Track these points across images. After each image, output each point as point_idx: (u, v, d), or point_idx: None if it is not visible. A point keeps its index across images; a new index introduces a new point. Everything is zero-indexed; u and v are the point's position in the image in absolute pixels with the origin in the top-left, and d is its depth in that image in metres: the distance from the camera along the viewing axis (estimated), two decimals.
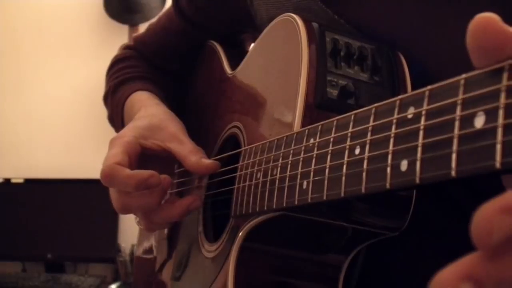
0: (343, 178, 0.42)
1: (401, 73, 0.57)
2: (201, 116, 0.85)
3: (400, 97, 0.37)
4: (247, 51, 0.76)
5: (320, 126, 0.47)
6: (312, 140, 0.48)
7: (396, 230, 0.54)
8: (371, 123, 0.40)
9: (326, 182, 0.44)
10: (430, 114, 0.34)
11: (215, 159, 0.71)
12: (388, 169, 0.37)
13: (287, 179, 0.50)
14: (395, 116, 0.37)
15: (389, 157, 0.37)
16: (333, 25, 0.61)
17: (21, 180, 2.78)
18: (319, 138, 0.47)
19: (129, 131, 0.71)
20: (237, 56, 0.79)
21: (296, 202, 0.49)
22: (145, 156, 0.70)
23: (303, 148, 0.49)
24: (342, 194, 0.42)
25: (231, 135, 0.72)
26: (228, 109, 0.75)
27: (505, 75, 0.28)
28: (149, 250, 0.95)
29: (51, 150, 2.87)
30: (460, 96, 0.31)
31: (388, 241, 0.56)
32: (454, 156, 0.31)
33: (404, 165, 0.35)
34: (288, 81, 0.57)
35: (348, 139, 0.42)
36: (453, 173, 0.31)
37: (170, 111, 0.78)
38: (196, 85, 0.92)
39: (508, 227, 0.24)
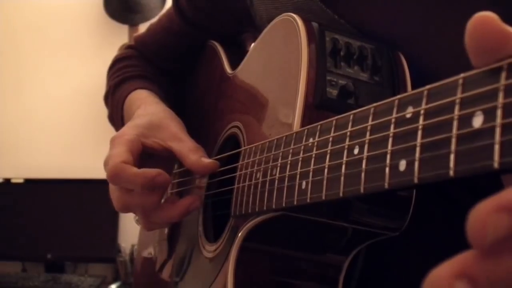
0: (342, 178, 0.42)
1: (401, 73, 0.57)
2: (201, 116, 0.85)
3: (398, 96, 0.37)
4: (247, 51, 0.76)
5: (319, 126, 0.47)
6: (311, 140, 0.48)
7: (396, 230, 0.54)
8: (370, 123, 0.40)
9: (325, 182, 0.44)
10: (428, 114, 0.34)
11: (215, 159, 0.71)
12: (387, 169, 0.37)
13: (286, 179, 0.50)
14: (394, 115, 0.37)
15: (388, 157, 0.37)
16: (333, 24, 0.61)
17: (21, 180, 2.78)
18: (318, 138, 0.47)
19: (130, 129, 0.71)
20: (237, 56, 0.79)
21: (295, 202, 0.49)
22: (146, 154, 0.70)
23: (302, 148, 0.49)
24: (341, 194, 0.42)
25: (231, 135, 0.72)
26: (228, 109, 0.75)
27: (503, 75, 0.28)
28: (149, 250, 0.95)
29: (51, 150, 2.87)
30: (459, 95, 0.31)
31: (388, 241, 0.56)
32: (452, 156, 0.31)
33: (402, 165, 0.35)
34: (288, 81, 0.57)
35: (347, 139, 0.42)
36: (451, 173, 0.31)
37: (170, 110, 0.78)
38: (196, 85, 0.92)
39: (503, 226, 0.24)
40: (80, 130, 2.85)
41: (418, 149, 0.34)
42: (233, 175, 0.64)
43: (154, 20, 0.99)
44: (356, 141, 0.41)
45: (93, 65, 2.76)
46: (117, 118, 0.89)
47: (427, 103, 0.34)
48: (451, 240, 0.50)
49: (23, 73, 2.94)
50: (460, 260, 0.26)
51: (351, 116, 0.43)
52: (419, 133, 0.34)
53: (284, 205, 0.51)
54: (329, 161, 0.44)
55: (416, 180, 0.34)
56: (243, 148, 0.64)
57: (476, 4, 0.44)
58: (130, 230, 2.58)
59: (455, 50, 0.42)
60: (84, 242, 2.66)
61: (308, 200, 0.47)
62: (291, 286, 0.60)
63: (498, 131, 0.28)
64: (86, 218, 2.66)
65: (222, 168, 0.69)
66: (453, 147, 0.31)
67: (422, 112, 0.34)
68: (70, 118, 2.87)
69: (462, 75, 0.31)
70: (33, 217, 2.71)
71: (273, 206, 0.53)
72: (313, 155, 0.47)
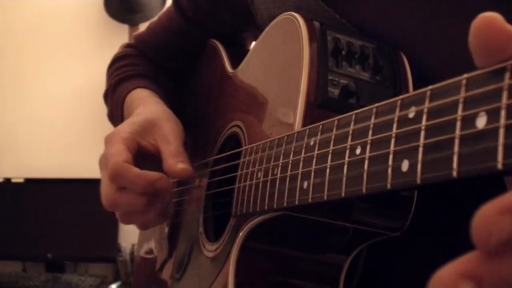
0: (344, 178, 0.42)
1: (402, 72, 0.57)
2: (202, 115, 0.85)
3: (401, 96, 0.37)
4: (248, 50, 0.76)
5: (321, 126, 0.47)
6: (313, 140, 0.48)
7: (398, 230, 0.54)
8: (372, 123, 0.40)
9: (327, 182, 0.44)
10: (431, 114, 0.33)
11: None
12: (389, 170, 0.37)
13: (288, 179, 0.50)
14: (397, 115, 0.37)
15: (390, 157, 0.37)
16: (334, 24, 0.61)
17: (21, 180, 2.78)
18: (320, 137, 0.47)
19: (125, 127, 0.71)
20: (238, 55, 0.79)
21: (296, 202, 0.48)
22: (140, 154, 0.69)
23: (304, 147, 0.49)
24: (343, 195, 0.42)
25: (232, 134, 0.71)
26: (229, 108, 0.75)
27: (507, 75, 0.28)
28: (149, 250, 0.95)
29: (51, 150, 2.87)
30: (462, 96, 0.31)
31: (390, 241, 0.56)
32: (455, 157, 0.31)
33: (405, 165, 0.35)
34: (289, 80, 0.57)
35: (349, 139, 0.42)
36: (454, 173, 0.31)
37: (169, 110, 0.78)
38: (197, 84, 0.92)
39: (507, 228, 0.25)
40: (80, 130, 2.84)
41: (421, 149, 0.34)
42: (234, 174, 0.64)
43: (154, 19, 0.99)
44: (358, 141, 0.41)
45: (93, 65, 2.76)
46: (117, 116, 0.88)
47: (430, 104, 0.34)
48: (452, 239, 0.50)
49: (23, 73, 2.94)
50: (465, 261, 0.26)
51: (353, 116, 0.43)
52: (422, 133, 0.34)
53: (285, 205, 0.51)
54: (331, 161, 0.44)
55: (419, 181, 0.34)
56: (244, 147, 0.64)
57: (478, 3, 0.44)
58: (130, 229, 2.55)
59: (456, 49, 0.42)
60: (85, 242, 2.66)
61: (310, 200, 0.46)
62: (292, 286, 0.60)
63: (502, 132, 0.28)
64: (87, 218, 2.65)
65: (222, 165, 0.69)
66: (456, 148, 0.31)
67: (425, 112, 0.34)
68: (70, 118, 2.87)
69: (465, 75, 0.31)
70: (33, 217, 2.71)
71: (274, 206, 0.52)
72: (315, 155, 0.47)
